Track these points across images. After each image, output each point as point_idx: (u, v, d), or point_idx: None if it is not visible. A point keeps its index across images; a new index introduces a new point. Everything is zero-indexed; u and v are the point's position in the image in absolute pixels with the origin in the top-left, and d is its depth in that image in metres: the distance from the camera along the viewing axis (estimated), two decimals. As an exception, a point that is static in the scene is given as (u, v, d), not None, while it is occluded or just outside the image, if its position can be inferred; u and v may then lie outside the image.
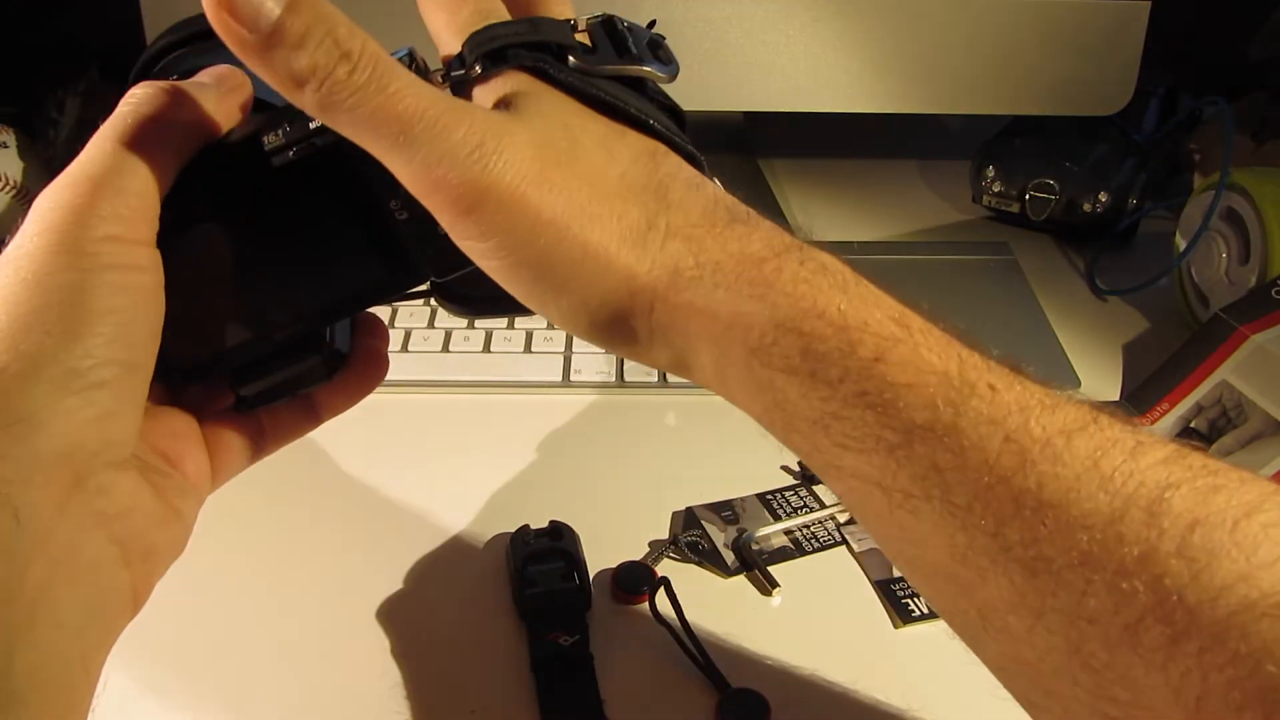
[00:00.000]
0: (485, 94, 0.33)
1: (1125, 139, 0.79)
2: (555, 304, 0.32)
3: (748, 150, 0.87)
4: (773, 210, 0.80)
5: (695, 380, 0.33)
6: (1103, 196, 0.76)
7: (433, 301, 0.42)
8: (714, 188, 0.33)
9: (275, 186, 0.33)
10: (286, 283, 0.35)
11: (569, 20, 0.34)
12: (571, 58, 0.33)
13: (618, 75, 0.34)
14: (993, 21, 0.74)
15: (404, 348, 0.62)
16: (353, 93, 0.28)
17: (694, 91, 0.74)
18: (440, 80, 0.33)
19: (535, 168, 0.30)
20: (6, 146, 0.72)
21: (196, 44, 0.39)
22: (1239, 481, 0.27)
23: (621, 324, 0.32)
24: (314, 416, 0.38)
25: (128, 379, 0.31)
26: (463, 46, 0.33)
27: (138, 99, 0.32)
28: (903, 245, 0.77)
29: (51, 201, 0.30)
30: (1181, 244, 0.69)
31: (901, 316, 0.30)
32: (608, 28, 0.35)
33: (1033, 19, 0.74)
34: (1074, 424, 0.28)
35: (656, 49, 0.35)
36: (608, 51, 0.34)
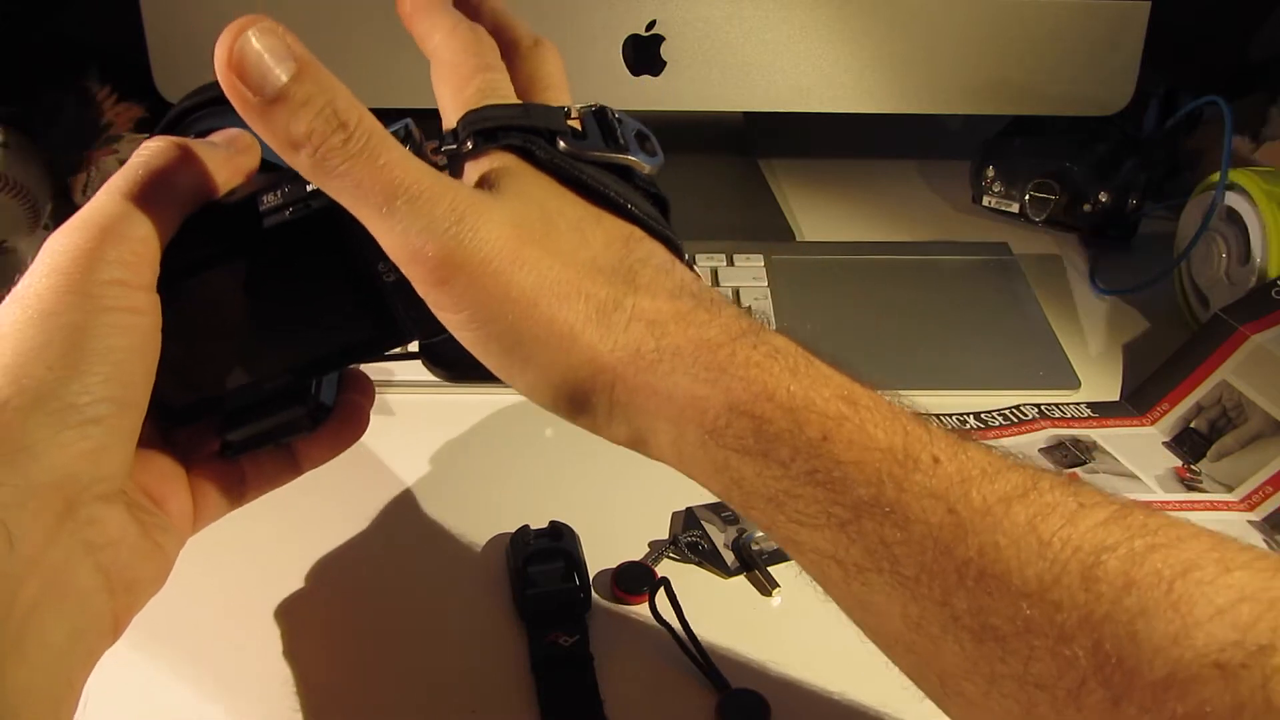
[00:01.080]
0: (474, 170, 0.34)
1: (1125, 139, 0.79)
2: (521, 376, 0.33)
3: (748, 150, 0.87)
4: (773, 210, 0.80)
5: (653, 457, 0.34)
6: (1103, 196, 0.76)
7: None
8: (684, 273, 0.34)
9: (271, 243, 0.34)
10: (276, 335, 0.36)
11: (563, 107, 0.36)
12: (561, 142, 0.34)
13: (603, 161, 0.35)
14: (993, 21, 0.74)
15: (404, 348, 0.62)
16: (345, 159, 0.30)
17: (694, 91, 0.74)
18: (433, 153, 0.34)
19: (510, 245, 0.31)
20: (6, 146, 0.72)
21: (217, 106, 0.42)
22: (1176, 540, 0.27)
23: (583, 400, 0.33)
24: (294, 467, 0.40)
25: (121, 416, 0.32)
26: (458, 123, 0.34)
27: (150, 152, 0.34)
28: (903, 245, 0.77)
29: (61, 244, 0.32)
30: (1181, 244, 0.69)
31: (850, 394, 0.31)
32: (599, 116, 0.36)
33: (1033, 19, 0.74)
34: (1014, 491, 0.29)
35: (644, 140, 0.37)
36: (596, 138, 0.35)
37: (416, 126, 0.34)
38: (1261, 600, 0.25)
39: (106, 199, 0.33)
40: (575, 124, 0.36)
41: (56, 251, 0.32)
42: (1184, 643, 0.25)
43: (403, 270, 0.32)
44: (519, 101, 0.36)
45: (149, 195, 0.33)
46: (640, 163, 0.36)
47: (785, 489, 0.30)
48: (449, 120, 0.35)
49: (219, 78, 0.30)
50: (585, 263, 0.32)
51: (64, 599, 0.30)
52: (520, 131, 0.34)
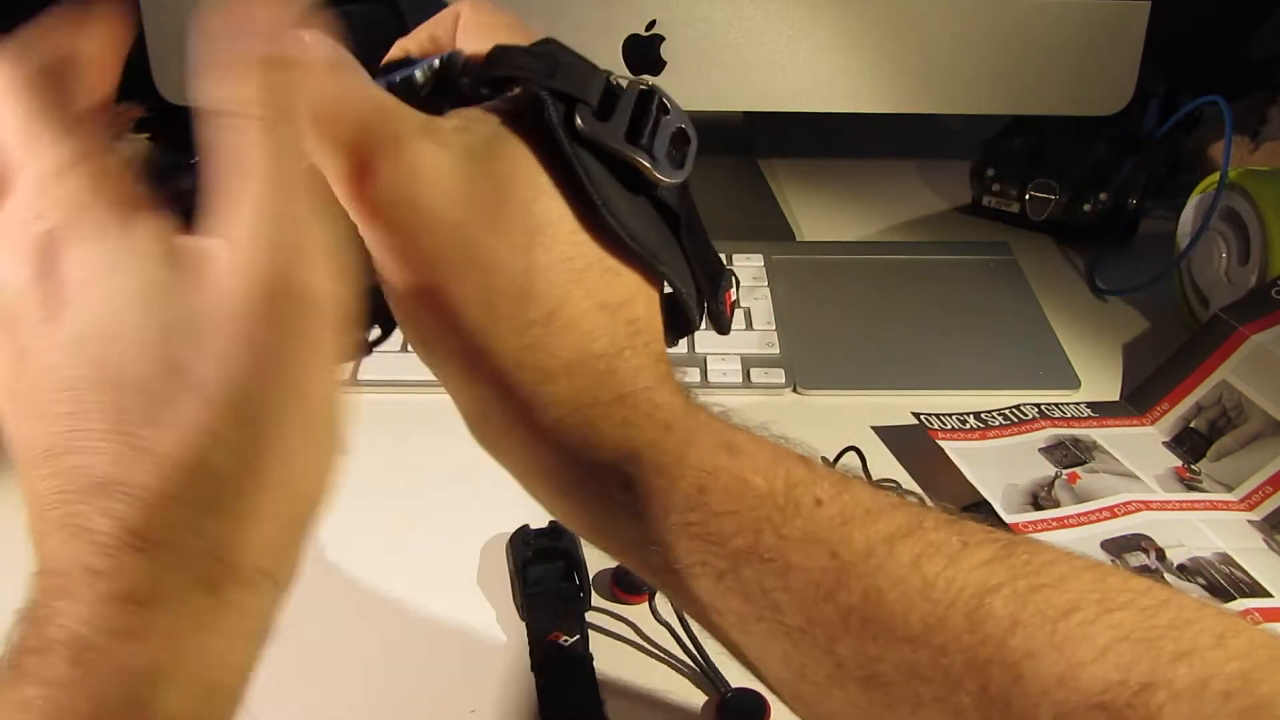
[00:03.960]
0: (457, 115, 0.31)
1: (1125, 139, 0.79)
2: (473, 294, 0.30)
3: (748, 150, 0.87)
4: (773, 210, 0.80)
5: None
6: (1103, 196, 0.76)
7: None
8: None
9: None
10: None
11: (606, 73, 0.32)
12: (579, 118, 0.30)
13: (617, 154, 0.31)
14: (992, 21, 0.74)
15: (404, 348, 0.62)
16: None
17: (694, 91, 0.74)
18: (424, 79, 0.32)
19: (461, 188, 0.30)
20: (6, 146, 0.71)
21: None
22: (1059, 579, 0.27)
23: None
24: None
25: None
26: (486, 60, 0.32)
27: None
28: (903, 245, 0.77)
29: None
30: (1181, 244, 0.69)
31: (730, 442, 0.31)
32: (642, 100, 0.32)
33: (1033, 19, 0.74)
34: (898, 530, 0.28)
35: (681, 143, 0.32)
36: (620, 124, 0.31)
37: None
38: (1142, 639, 0.25)
39: None
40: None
41: None
42: (1069, 684, 0.25)
43: (320, 156, 0.29)
44: (552, 46, 0.32)
45: None
46: (652, 170, 0.31)
47: (662, 540, 0.30)
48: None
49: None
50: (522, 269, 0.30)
51: None
52: (538, 86, 0.30)
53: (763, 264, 0.70)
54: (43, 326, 0.25)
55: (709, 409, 0.32)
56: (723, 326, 0.36)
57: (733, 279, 0.36)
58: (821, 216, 0.81)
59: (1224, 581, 0.48)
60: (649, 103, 0.32)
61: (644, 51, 0.73)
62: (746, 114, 0.85)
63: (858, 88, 0.75)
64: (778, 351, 0.64)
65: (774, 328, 0.65)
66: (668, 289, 0.33)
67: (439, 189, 0.29)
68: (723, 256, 0.70)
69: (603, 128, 0.31)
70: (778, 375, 0.62)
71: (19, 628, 0.23)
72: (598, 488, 0.31)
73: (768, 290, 0.68)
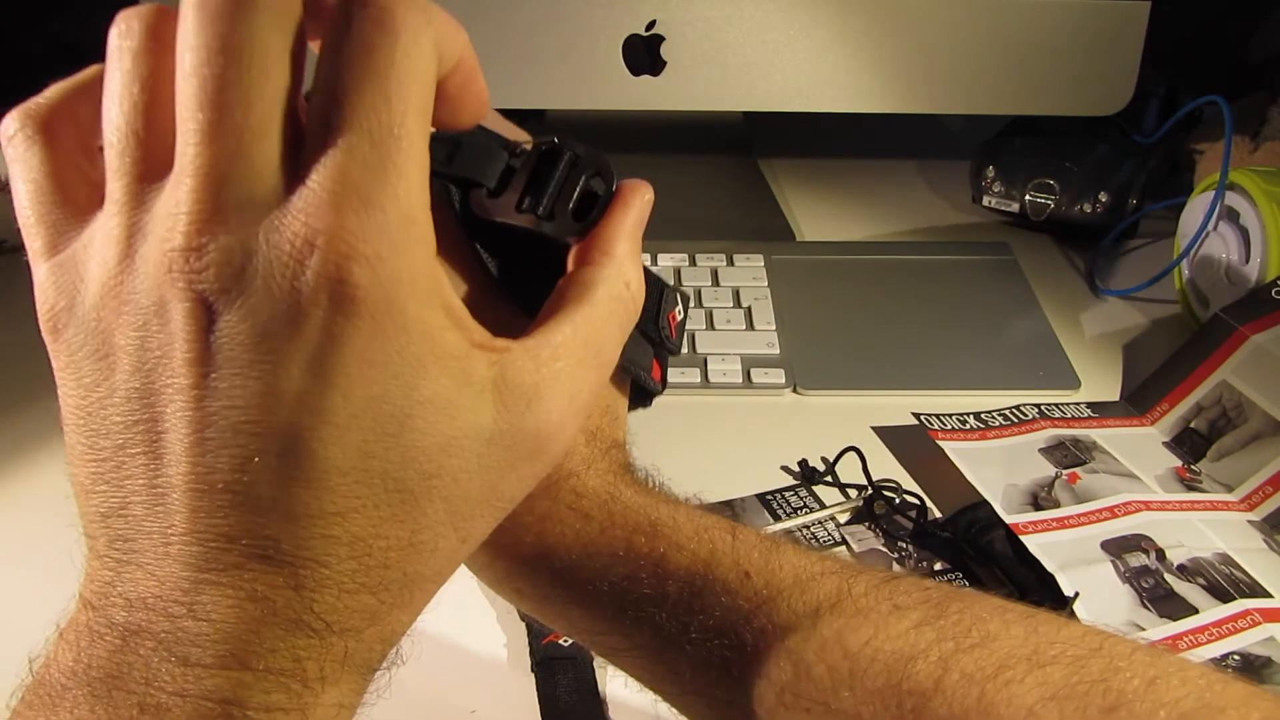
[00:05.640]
0: None
1: (1125, 139, 0.79)
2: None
3: (748, 150, 0.87)
4: (773, 210, 0.80)
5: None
6: (1103, 196, 0.76)
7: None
8: None
9: None
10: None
11: (509, 148, 0.29)
12: (473, 201, 0.29)
13: (509, 227, 0.29)
14: (993, 21, 0.74)
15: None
16: None
17: (694, 91, 0.74)
18: None
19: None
20: (6, 147, 0.71)
21: None
22: (988, 637, 0.27)
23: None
24: None
25: None
26: None
27: None
28: (903, 245, 0.77)
29: None
30: (1181, 244, 0.69)
31: (652, 521, 0.30)
32: (545, 160, 0.29)
33: (1033, 19, 0.74)
34: (825, 600, 0.29)
35: (586, 201, 0.29)
36: (513, 195, 0.29)
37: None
38: (1070, 696, 0.25)
39: None
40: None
41: None
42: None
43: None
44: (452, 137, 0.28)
45: None
46: (541, 230, 0.28)
47: (592, 627, 0.31)
48: None
49: None
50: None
51: None
52: (438, 178, 0.27)
53: (763, 264, 0.70)
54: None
55: (640, 484, 0.32)
56: (672, 349, 0.34)
57: (677, 296, 0.34)
58: (821, 216, 0.81)
59: (1224, 582, 0.48)
60: (554, 162, 0.29)
61: (644, 51, 0.73)
62: (746, 114, 0.85)
63: (858, 88, 0.75)
64: (778, 352, 0.64)
65: (774, 328, 0.65)
66: None
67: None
68: (723, 256, 0.70)
69: (494, 204, 0.29)
70: (778, 375, 0.62)
71: None
72: (532, 580, 0.31)
73: (768, 290, 0.68)
